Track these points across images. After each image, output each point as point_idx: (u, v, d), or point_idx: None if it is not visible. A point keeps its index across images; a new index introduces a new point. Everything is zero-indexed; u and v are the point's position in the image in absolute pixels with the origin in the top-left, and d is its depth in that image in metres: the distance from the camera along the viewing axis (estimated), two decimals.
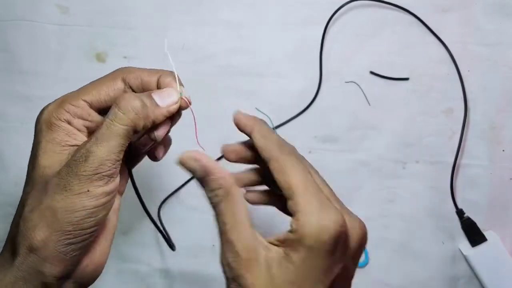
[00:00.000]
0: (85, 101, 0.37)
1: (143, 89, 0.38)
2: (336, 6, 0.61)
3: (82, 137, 0.36)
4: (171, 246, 0.54)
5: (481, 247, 0.59)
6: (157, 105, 0.36)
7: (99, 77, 0.39)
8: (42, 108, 0.37)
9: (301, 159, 0.38)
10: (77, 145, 0.35)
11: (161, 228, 0.52)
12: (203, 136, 0.63)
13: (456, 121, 0.60)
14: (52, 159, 0.34)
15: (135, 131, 0.35)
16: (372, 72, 0.62)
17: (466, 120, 0.60)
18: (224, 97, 0.62)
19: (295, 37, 0.62)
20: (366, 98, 0.61)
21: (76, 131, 0.36)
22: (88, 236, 0.34)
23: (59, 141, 0.35)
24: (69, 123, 0.36)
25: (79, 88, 0.38)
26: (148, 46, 0.63)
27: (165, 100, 0.37)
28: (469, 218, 0.59)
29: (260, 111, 0.62)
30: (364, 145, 0.61)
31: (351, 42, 0.62)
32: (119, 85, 0.38)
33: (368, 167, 0.61)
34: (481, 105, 0.60)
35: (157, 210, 0.61)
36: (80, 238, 0.33)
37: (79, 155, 0.33)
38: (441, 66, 0.61)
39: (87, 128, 0.37)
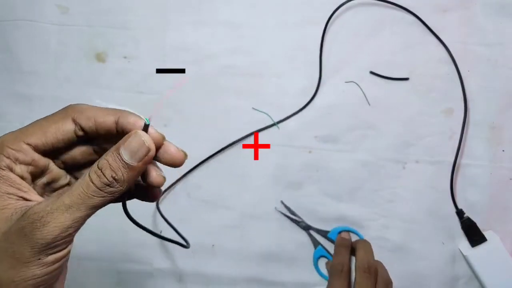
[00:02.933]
0: (28, 144, 0.32)
1: (97, 131, 0.33)
2: (335, 5, 0.61)
3: (26, 187, 0.31)
4: (186, 243, 0.52)
5: (481, 247, 0.59)
6: (128, 164, 0.30)
7: (45, 116, 0.34)
8: None
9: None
10: (22, 198, 0.30)
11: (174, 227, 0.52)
12: (203, 135, 0.63)
13: (456, 121, 0.60)
14: None
15: (111, 201, 0.32)
16: (372, 72, 0.62)
17: (466, 120, 0.60)
18: (224, 97, 0.62)
19: (295, 37, 0.62)
20: (366, 98, 0.61)
21: (20, 180, 0.31)
22: None
23: (0, 194, 0.30)
24: (10, 170, 0.31)
25: (21, 128, 0.32)
26: (148, 46, 0.63)
27: (136, 155, 0.31)
28: (469, 218, 0.59)
29: (258, 110, 0.62)
30: (364, 145, 0.61)
31: (350, 42, 0.62)
32: (69, 126, 0.33)
33: (368, 167, 0.61)
34: (481, 105, 0.60)
35: (155, 209, 0.61)
36: None
37: (35, 217, 0.28)
38: (441, 66, 0.61)
39: (31, 174, 0.32)
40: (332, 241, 0.61)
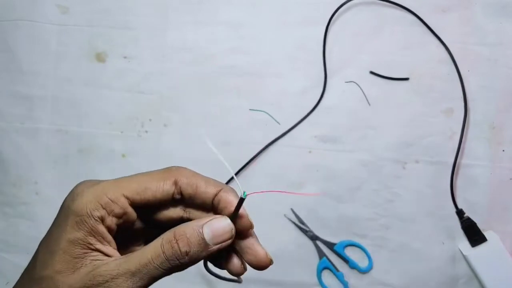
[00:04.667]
0: (127, 197, 0.31)
1: (194, 200, 0.33)
2: (335, 5, 0.61)
3: (108, 240, 0.31)
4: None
5: (481, 247, 0.59)
6: (205, 243, 0.30)
7: (148, 171, 0.33)
8: (74, 187, 0.32)
9: None
10: (99, 250, 0.31)
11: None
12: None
13: (456, 121, 0.60)
14: (68, 264, 0.30)
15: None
16: (372, 72, 0.61)
17: (466, 120, 0.60)
18: (224, 97, 0.62)
19: (295, 37, 0.62)
20: (366, 98, 0.61)
21: (106, 234, 0.31)
22: None
23: (82, 243, 0.30)
24: (102, 221, 0.30)
25: (122, 178, 0.32)
26: (148, 46, 0.63)
27: (216, 238, 0.31)
28: (469, 218, 0.59)
29: (256, 110, 0.62)
30: (364, 145, 0.61)
31: (351, 42, 0.62)
32: (169, 187, 0.32)
33: (368, 167, 0.61)
34: (481, 105, 0.60)
35: None
36: None
37: (101, 280, 0.29)
38: (441, 66, 0.61)
39: (117, 226, 0.32)
40: (337, 254, 0.61)
